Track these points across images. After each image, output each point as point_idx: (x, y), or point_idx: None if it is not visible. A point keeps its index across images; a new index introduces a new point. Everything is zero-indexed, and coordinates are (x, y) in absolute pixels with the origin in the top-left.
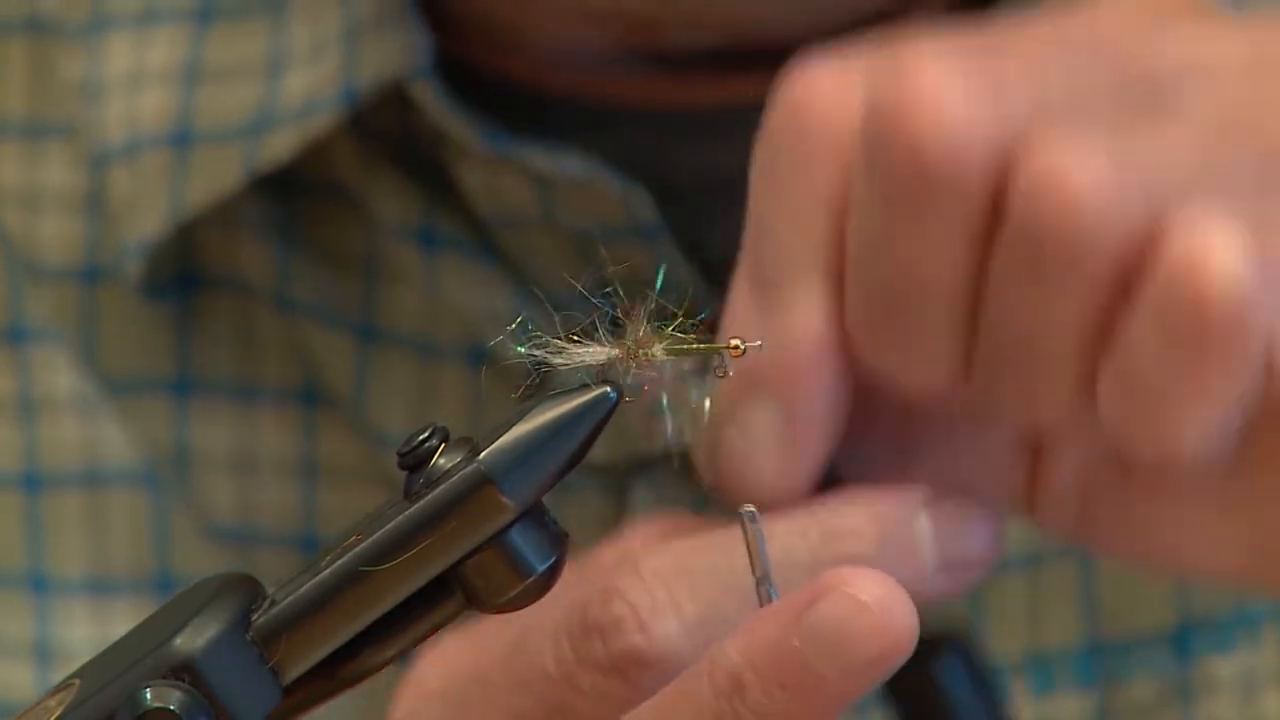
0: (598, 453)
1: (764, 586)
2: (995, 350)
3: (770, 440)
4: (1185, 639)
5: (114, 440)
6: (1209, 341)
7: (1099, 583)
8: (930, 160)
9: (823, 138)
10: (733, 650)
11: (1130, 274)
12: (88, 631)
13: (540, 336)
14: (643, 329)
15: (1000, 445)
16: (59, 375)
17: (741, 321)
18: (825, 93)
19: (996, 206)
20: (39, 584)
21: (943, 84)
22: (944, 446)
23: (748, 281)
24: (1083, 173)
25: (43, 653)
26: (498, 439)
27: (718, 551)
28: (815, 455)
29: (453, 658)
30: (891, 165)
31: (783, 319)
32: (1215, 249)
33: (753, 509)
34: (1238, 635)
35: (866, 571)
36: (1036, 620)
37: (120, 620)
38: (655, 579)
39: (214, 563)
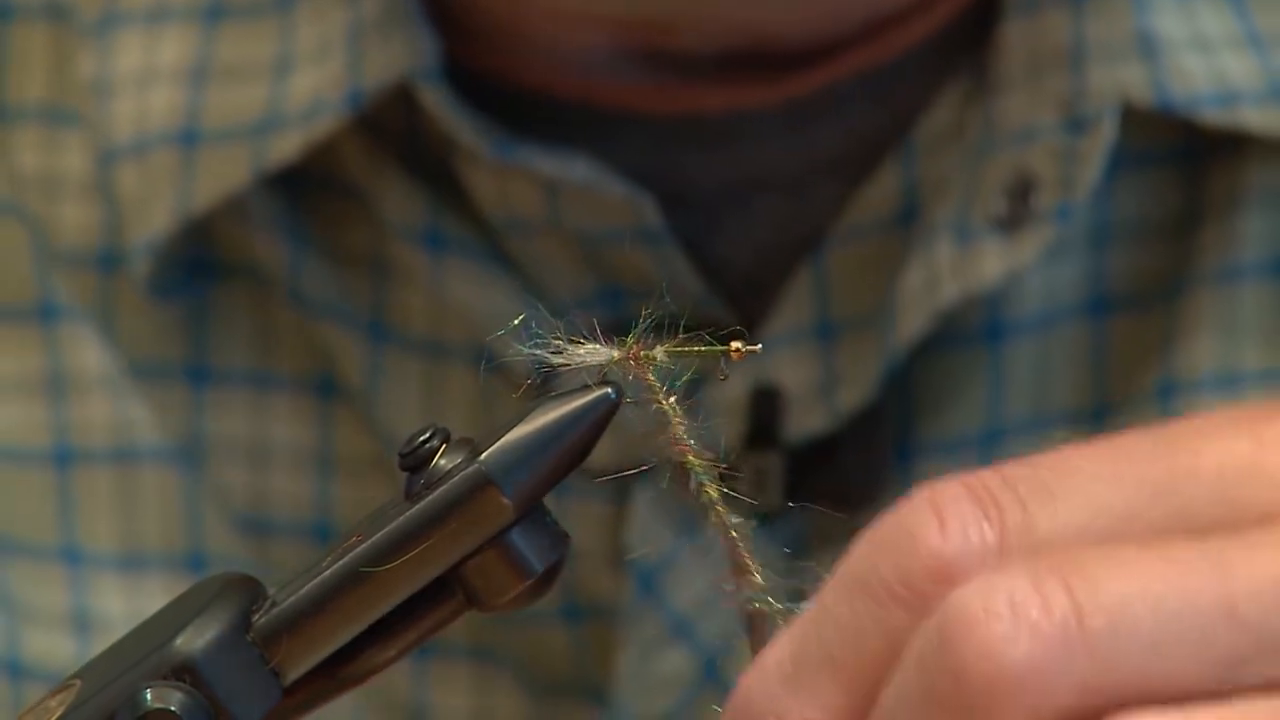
0: (599, 456)
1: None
2: None
3: None
4: None
5: (144, 418)
6: None
7: None
8: (972, 692)
9: (919, 599)
10: None
11: None
12: (121, 605)
13: (542, 337)
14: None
15: None
16: (89, 353)
17: (763, 672)
18: (945, 558)
19: None
20: (72, 557)
21: (1013, 612)
22: None
23: (789, 645)
24: None
25: (80, 623)
26: (498, 440)
27: None
28: None
29: None
30: (940, 669)
31: (795, 705)
32: None
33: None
34: None
35: None
36: None
37: (152, 596)
38: None
39: (240, 547)
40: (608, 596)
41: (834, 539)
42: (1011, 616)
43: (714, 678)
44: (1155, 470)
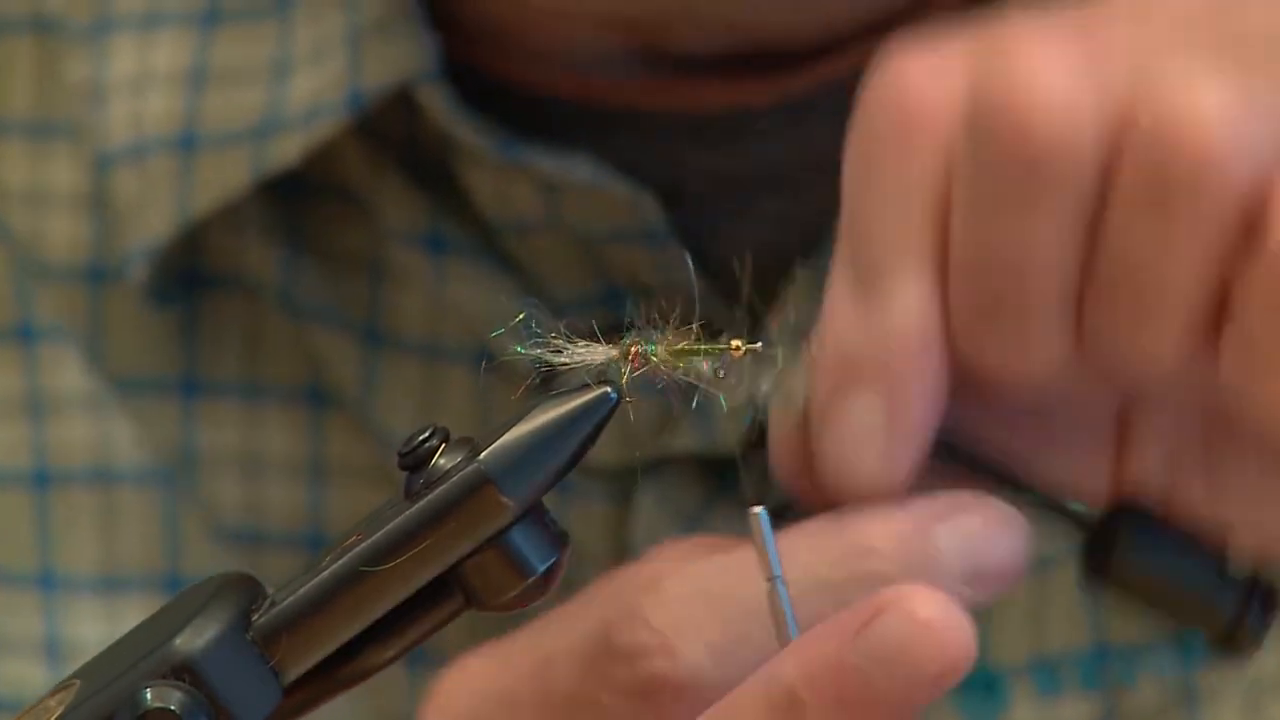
0: (603, 456)
1: (775, 588)
2: (1112, 303)
3: (874, 434)
4: (1191, 643)
5: (124, 439)
6: None
7: None
8: (1041, 148)
9: (924, 126)
10: (789, 668)
11: (1254, 220)
12: (98, 629)
13: (542, 336)
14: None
15: (1089, 436)
16: (68, 373)
17: (842, 314)
18: (925, 79)
19: (1111, 172)
20: (49, 582)
21: (1045, 66)
22: (1033, 437)
23: (846, 271)
24: (1210, 108)
25: (53, 650)
26: (498, 439)
27: (740, 573)
28: (919, 449)
29: (478, 677)
30: (1001, 156)
31: (885, 310)
32: None
33: (761, 509)
34: None
35: (924, 590)
36: (1042, 623)
37: (130, 618)
38: (679, 603)
39: (223, 563)
40: None
41: None
42: (1044, 66)
43: None
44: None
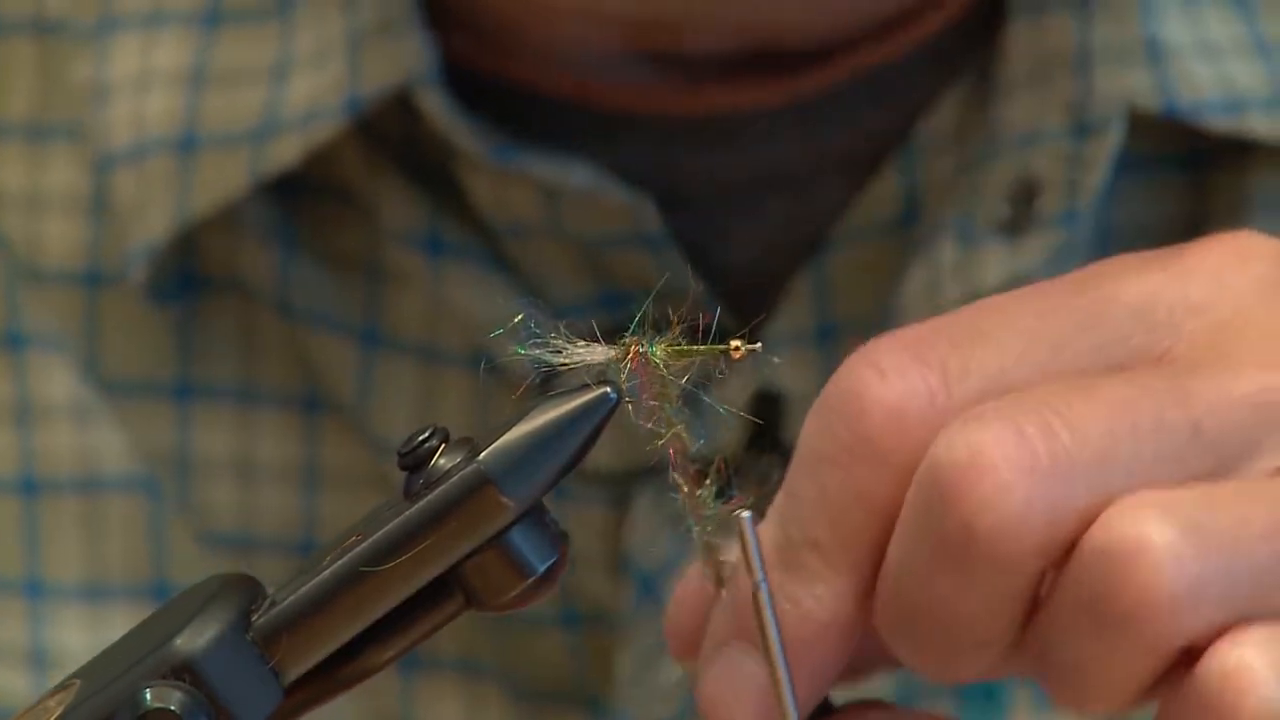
0: (600, 460)
1: (760, 592)
2: (1050, 670)
3: (754, 691)
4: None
5: (112, 446)
6: None
7: None
8: (983, 539)
9: (880, 454)
10: None
11: (1190, 653)
12: (83, 637)
13: (541, 337)
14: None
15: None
16: (57, 381)
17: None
18: (893, 407)
19: (1054, 572)
20: (35, 590)
21: (1004, 461)
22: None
23: (777, 536)
24: (1159, 549)
25: (38, 659)
26: (498, 439)
27: None
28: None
29: None
30: (943, 528)
31: (800, 589)
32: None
33: (749, 513)
34: None
35: None
36: None
37: (116, 626)
38: None
39: (211, 569)
40: (607, 602)
41: None
42: (1003, 463)
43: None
44: (1077, 303)
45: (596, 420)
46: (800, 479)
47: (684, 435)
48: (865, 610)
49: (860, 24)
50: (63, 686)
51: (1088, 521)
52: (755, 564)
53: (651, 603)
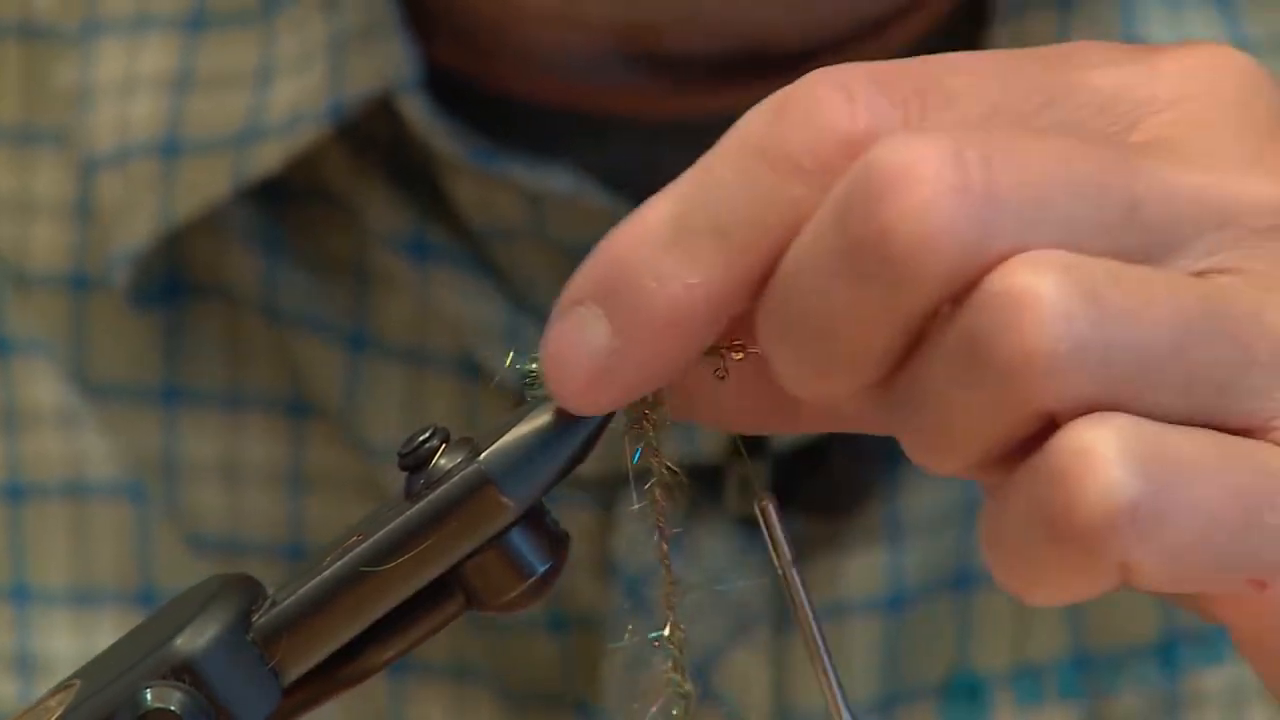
0: (587, 465)
1: (790, 573)
2: (911, 414)
3: (588, 349)
4: (1172, 651)
5: (99, 452)
6: None
7: None
8: (895, 250)
9: (824, 174)
10: None
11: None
12: (70, 643)
13: (535, 353)
14: None
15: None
16: (43, 387)
17: (638, 233)
18: (851, 135)
19: (949, 297)
20: (21, 595)
21: (936, 180)
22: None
23: (674, 205)
24: (1050, 308)
25: (24, 665)
26: (498, 439)
27: None
28: (631, 395)
29: None
30: (856, 231)
31: (677, 267)
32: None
33: (769, 501)
34: (1225, 648)
35: None
36: (1023, 632)
37: (104, 633)
38: None
39: (199, 575)
40: (594, 605)
41: (821, 544)
42: (936, 179)
43: (703, 684)
44: (1045, 78)
45: (597, 420)
46: (725, 167)
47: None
48: (721, 318)
49: (845, 26)
50: (63, 686)
51: (997, 262)
52: (784, 549)
53: (638, 606)
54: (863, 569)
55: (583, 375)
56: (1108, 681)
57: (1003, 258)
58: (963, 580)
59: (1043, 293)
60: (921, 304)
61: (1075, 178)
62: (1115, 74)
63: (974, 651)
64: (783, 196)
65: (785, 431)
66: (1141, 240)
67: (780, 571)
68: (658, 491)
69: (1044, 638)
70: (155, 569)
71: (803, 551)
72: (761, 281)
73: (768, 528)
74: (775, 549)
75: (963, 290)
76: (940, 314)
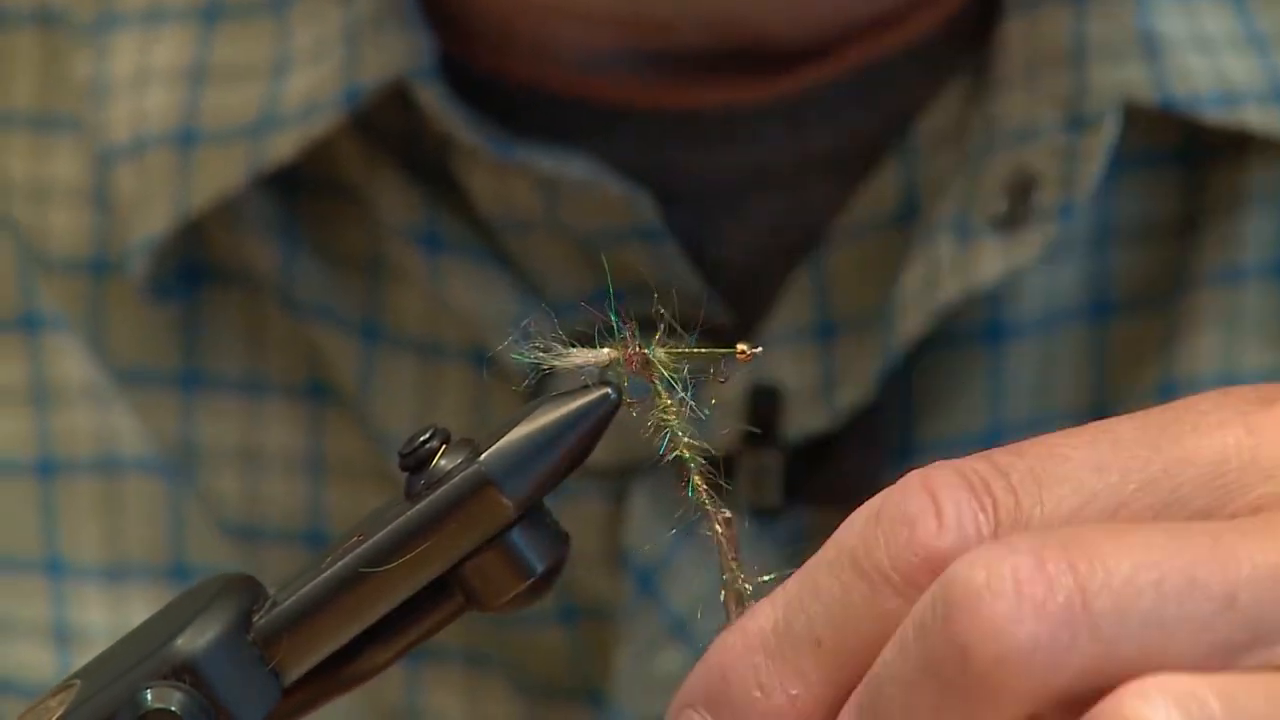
0: (597, 456)
1: (736, 592)
2: None
3: None
4: None
5: (128, 428)
6: None
7: None
8: (976, 667)
9: (913, 589)
10: None
11: None
12: (104, 617)
13: (541, 340)
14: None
15: None
16: (73, 363)
17: (751, 647)
18: (939, 552)
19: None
20: (55, 568)
21: (1018, 597)
22: None
23: (775, 616)
24: None
25: (62, 635)
26: (498, 440)
27: None
28: None
29: None
30: (938, 645)
31: (780, 678)
32: None
33: (729, 514)
34: None
35: None
36: None
37: (136, 607)
38: None
39: (228, 554)
40: (605, 597)
41: None
42: (1016, 595)
43: (655, 595)
44: (1145, 458)
45: (597, 421)
46: (826, 577)
47: (683, 434)
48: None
49: (851, 22)
50: (64, 686)
51: (1087, 678)
52: (738, 565)
53: (649, 597)
54: None
55: None
56: None
57: (1088, 671)
58: None
59: None
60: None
61: (1167, 577)
62: (1221, 441)
63: None
64: (876, 610)
65: None
66: (1244, 630)
67: (734, 588)
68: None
69: None
70: (187, 545)
71: (814, 545)
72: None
73: (718, 539)
74: (724, 560)
75: (1048, 708)
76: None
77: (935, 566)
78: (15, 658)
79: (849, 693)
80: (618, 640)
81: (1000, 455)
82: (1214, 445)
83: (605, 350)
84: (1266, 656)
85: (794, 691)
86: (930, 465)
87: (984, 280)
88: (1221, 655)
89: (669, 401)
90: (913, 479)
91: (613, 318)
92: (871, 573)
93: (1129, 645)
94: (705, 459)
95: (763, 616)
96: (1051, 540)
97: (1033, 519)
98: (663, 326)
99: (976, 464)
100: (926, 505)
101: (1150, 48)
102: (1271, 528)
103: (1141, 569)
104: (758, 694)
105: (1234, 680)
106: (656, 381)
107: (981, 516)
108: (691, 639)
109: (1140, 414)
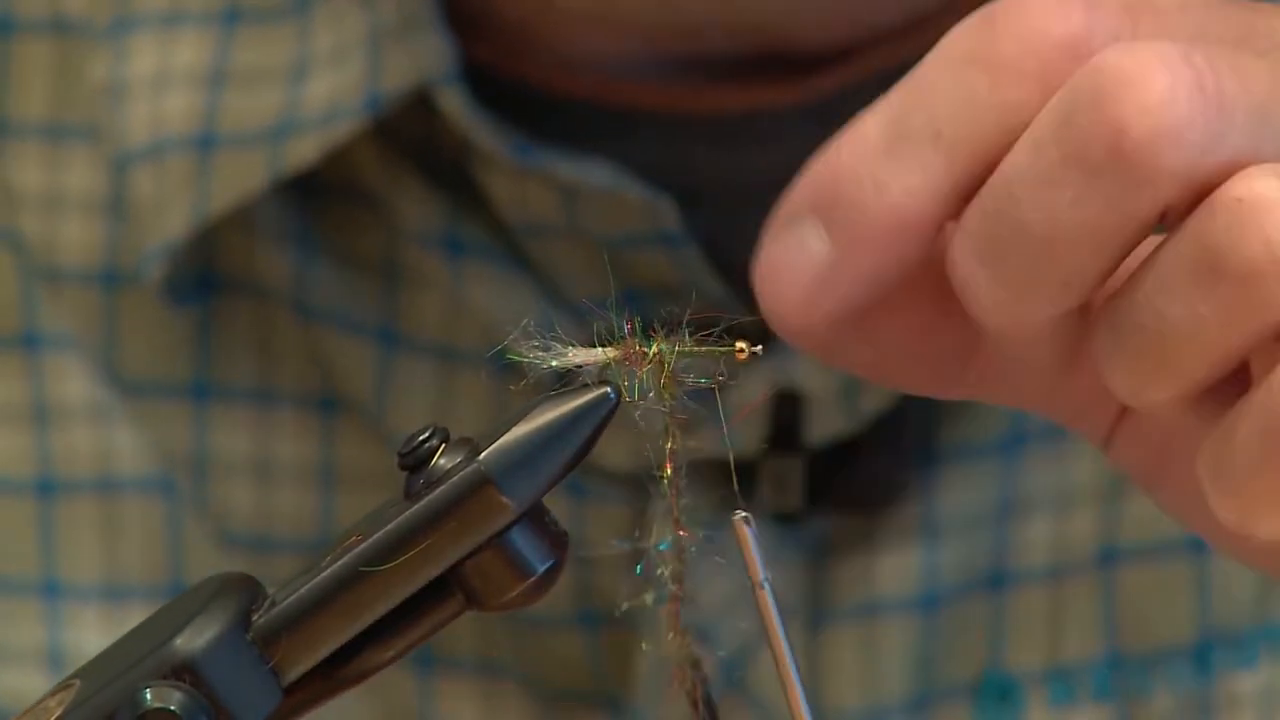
0: (617, 460)
1: (763, 590)
2: (1126, 339)
3: (809, 265)
4: (1207, 654)
5: (129, 447)
6: None
7: (1120, 596)
8: (1132, 143)
9: (1043, 77)
10: None
11: None
12: (101, 638)
13: (544, 338)
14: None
15: (1085, 388)
16: (73, 382)
17: (852, 148)
18: (1067, 38)
19: (1175, 209)
20: (52, 590)
21: (1172, 79)
22: (1022, 371)
23: (882, 118)
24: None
25: (55, 659)
26: (498, 439)
27: None
28: (844, 308)
29: None
30: (1088, 130)
31: (897, 174)
32: None
33: (746, 514)
34: (1260, 650)
35: None
36: (1057, 633)
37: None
38: None
39: (231, 568)
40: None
41: (855, 542)
42: (1171, 77)
43: (735, 683)
44: (1244, 16)
45: (597, 420)
46: (940, 72)
47: (679, 437)
48: (941, 225)
49: (875, 27)
50: (63, 686)
51: (1229, 174)
52: (758, 566)
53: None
54: (897, 568)
55: (800, 290)
56: (1141, 683)
57: (1233, 165)
58: (997, 580)
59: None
60: (1152, 207)
61: None
62: None
63: (1007, 652)
64: (1002, 100)
65: (943, 394)
66: None
67: (755, 588)
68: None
69: (1078, 638)
70: (186, 565)
71: (836, 549)
72: (974, 190)
73: (741, 544)
74: (748, 563)
75: (1194, 197)
76: (1169, 220)
77: (1071, 54)
78: (9, 682)
79: (971, 193)
80: (638, 645)
81: None
82: None
83: (605, 350)
84: None
85: (913, 185)
86: None
87: None
88: None
89: (668, 397)
90: None
91: (612, 316)
92: (996, 65)
93: (1266, 146)
94: (711, 461)
95: (874, 119)
96: (1195, 44)
97: (1144, 29)
98: (662, 329)
99: None
100: (1050, 2)
101: None
102: None
103: (1273, 82)
104: (873, 192)
105: None
106: (646, 376)
107: (1108, 19)
108: (714, 643)
109: None
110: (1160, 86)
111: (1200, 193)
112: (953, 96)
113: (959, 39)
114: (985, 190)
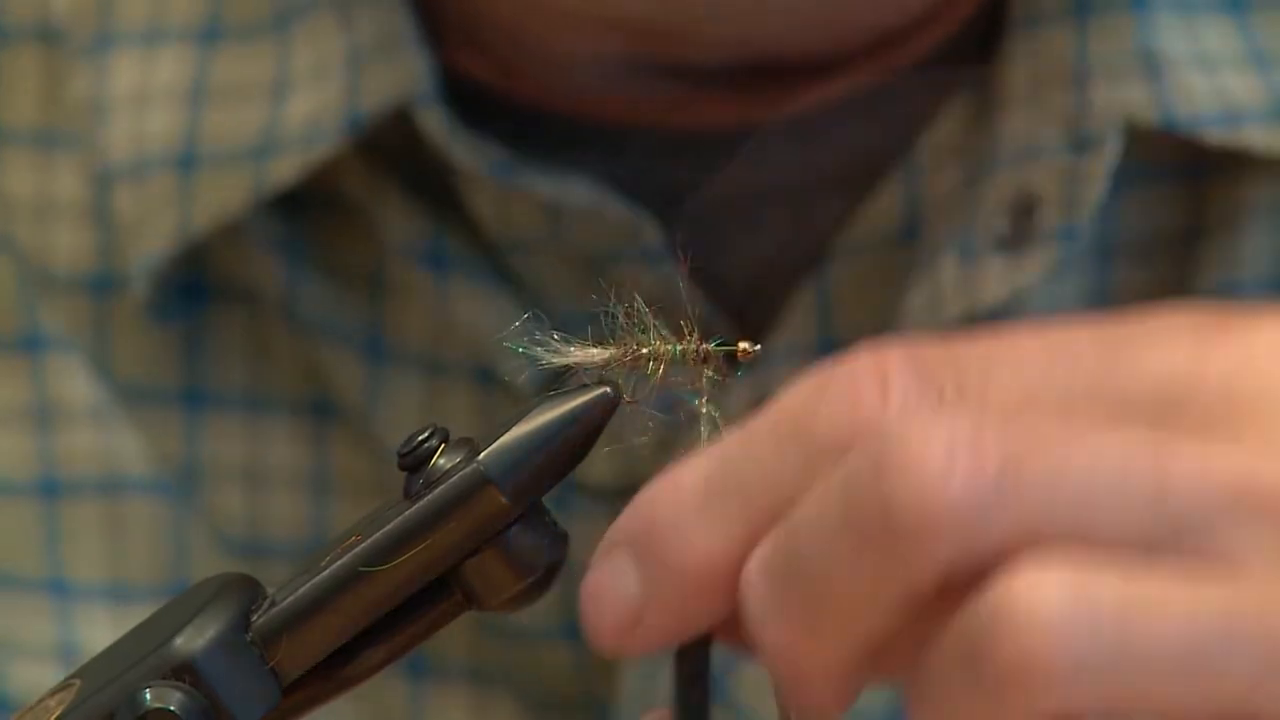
0: (601, 475)
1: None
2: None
3: (624, 602)
4: None
5: (131, 448)
6: None
7: None
8: (897, 528)
9: (830, 437)
10: None
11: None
12: (108, 637)
13: (539, 339)
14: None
15: None
16: (76, 383)
17: (675, 499)
18: (863, 401)
19: (950, 585)
20: (59, 589)
21: (948, 462)
22: None
23: (705, 472)
24: (1048, 626)
25: (67, 654)
26: (497, 439)
27: None
28: (660, 643)
29: None
30: (863, 496)
31: (701, 531)
32: None
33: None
34: None
35: None
36: None
37: None
38: None
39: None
40: None
41: None
42: (948, 456)
43: (721, 695)
44: (1096, 365)
45: (596, 420)
46: (762, 438)
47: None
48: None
49: (860, 39)
50: (63, 686)
51: (1004, 551)
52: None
53: None
54: None
55: (614, 620)
56: None
57: (1010, 546)
58: None
59: (1042, 606)
60: (919, 580)
61: (1098, 465)
62: (1168, 358)
63: None
64: (806, 472)
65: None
66: (1168, 529)
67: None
68: None
69: None
70: (190, 566)
71: None
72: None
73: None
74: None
75: (968, 577)
76: (948, 598)
77: (870, 434)
78: (19, 678)
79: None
80: (624, 657)
81: (956, 345)
82: (1164, 362)
83: (605, 350)
84: (1175, 560)
85: (716, 543)
86: (884, 344)
87: (988, 301)
88: (1142, 549)
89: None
90: (865, 355)
91: (612, 311)
92: (808, 438)
93: (1052, 523)
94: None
95: (694, 470)
96: (992, 415)
97: (971, 409)
98: (656, 326)
99: (930, 349)
100: (873, 381)
101: (1151, 67)
102: (1215, 433)
103: (1077, 449)
104: (679, 543)
105: (1129, 576)
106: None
107: (926, 396)
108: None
109: (1098, 326)
110: (931, 466)
111: (976, 568)
112: (767, 464)
113: (789, 403)
114: (770, 536)
